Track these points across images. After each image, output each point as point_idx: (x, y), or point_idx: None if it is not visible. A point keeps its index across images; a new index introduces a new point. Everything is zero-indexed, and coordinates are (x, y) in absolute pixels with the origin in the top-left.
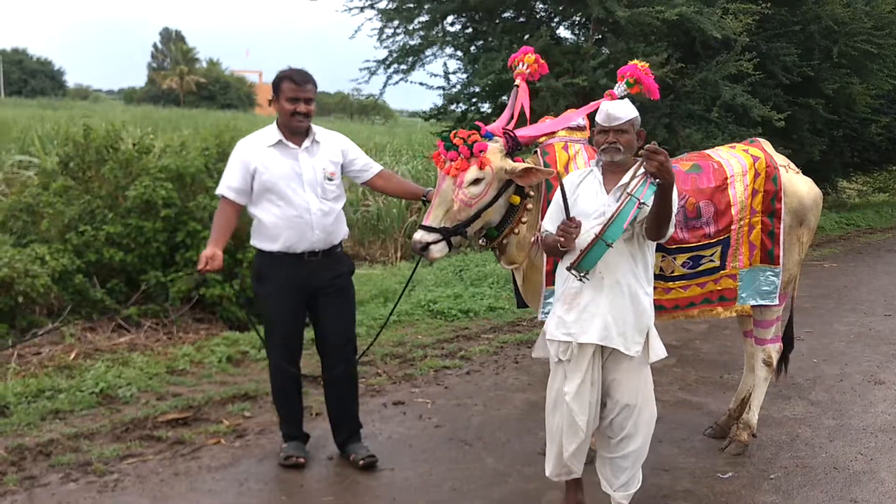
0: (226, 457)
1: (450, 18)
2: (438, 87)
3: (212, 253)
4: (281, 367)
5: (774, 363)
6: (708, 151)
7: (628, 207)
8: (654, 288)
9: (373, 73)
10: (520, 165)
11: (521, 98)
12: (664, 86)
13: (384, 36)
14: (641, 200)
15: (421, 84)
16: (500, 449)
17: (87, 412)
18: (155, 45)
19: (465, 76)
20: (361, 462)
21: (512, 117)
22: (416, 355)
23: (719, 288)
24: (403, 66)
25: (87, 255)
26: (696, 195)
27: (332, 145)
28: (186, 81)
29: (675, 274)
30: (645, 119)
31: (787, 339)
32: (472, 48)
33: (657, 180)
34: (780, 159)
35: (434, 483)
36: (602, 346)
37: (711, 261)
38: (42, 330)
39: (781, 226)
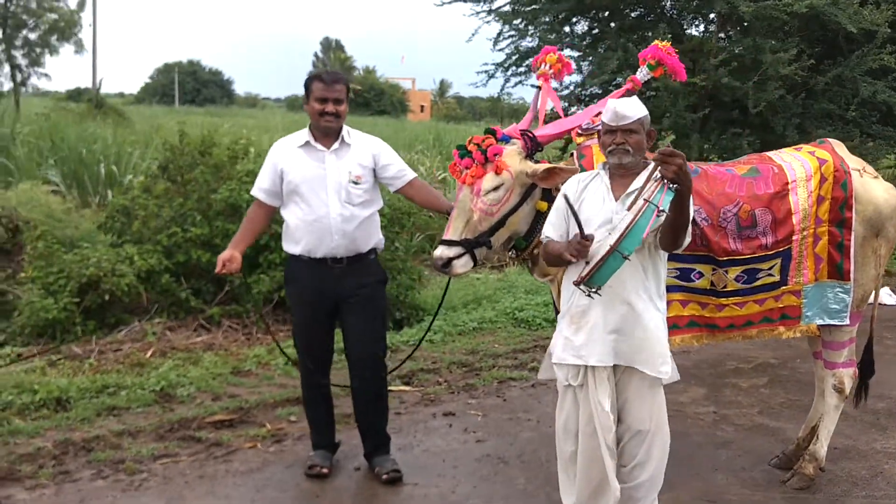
0: (257, 461)
1: (574, 18)
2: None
3: (229, 255)
4: (305, 373)
5: (847, 389)
6: (771, 153)
7: (646, 216)
8: (705, 305)
9: (490, 76)
10: (541, 166)
11: (543, 99)
12: (794, 84)
13: (501, 38)
14: (661, 208)
15: (533, 86)
16: (536, 469)
17: (141, 410)
18: (316, 55)
19: (580, 78)
20: (385, 476)
21: (536, 119)
22: (484, 364)
23: (781, 305)
24: (521, 69)
25: (176, 255)
26: (752, 202)
27: (363, 148)
28: None
29: (729, 289)
30: (774, 119)
31: (867, 363)
32: (599, 49)
33: (675, 185)
34: (854, 162)
35: (454, 501)
36: (614, 367)
37: (770, 275)
38: (127, 328)
39: (852, 237)
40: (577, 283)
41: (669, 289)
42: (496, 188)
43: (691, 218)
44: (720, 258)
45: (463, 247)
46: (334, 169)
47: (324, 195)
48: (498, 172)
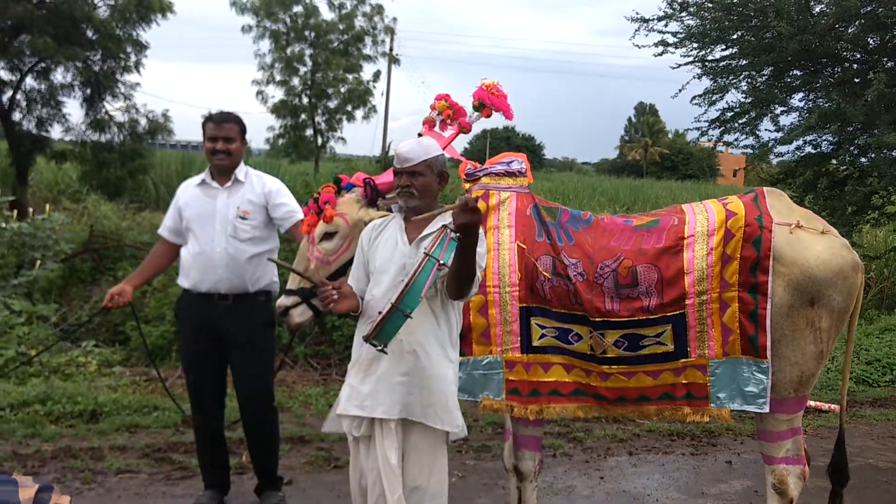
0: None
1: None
2: (747, 146)
3: (120, 289)
4: (193, 413)
5: (791, 492)
6: (689, 205)
7: (426, 270)
8: (589, 372)
9: (703, 133)
10: (377, 214)
11: None
12: None
13: (710, 92)
14: (441, 261)
15: (737, 146)
16: None
17: (157, 430)
18: (629, 119)
19: (777, 134)
20: None
21: None
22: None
23: (684, 381)
24: (735, 125)
25: None
26: (635, 257)
27: (255, 186)
28: (651, 152)
29: (610, 355)
30: None
31: (837, 467)
32: (819, 100)
33: (457, 235)
34: (786, 215)
35: None
36: (402, 422)
37: (660, 343)
38: None
39: (768, 304)
40: (365, 339)
41: (550, 350)
42: (329, 236)
43: (481, 267)
44: (593, 318)
45: (299, 296)
46: (223, 205)
47: (210, 229)
48: (327, 221)
